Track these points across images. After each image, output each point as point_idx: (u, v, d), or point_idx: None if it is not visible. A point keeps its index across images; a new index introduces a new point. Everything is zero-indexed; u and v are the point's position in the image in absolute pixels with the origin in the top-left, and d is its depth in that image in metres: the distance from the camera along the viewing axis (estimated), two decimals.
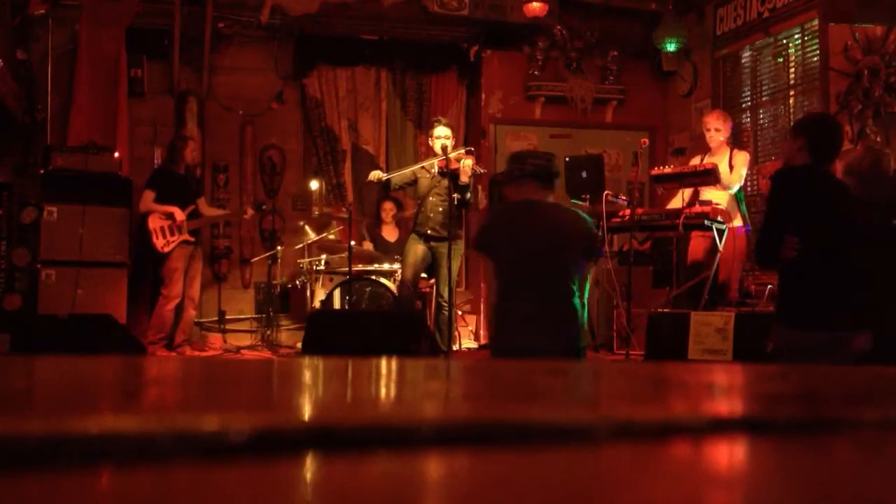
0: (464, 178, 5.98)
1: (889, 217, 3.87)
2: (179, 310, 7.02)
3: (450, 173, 5.99)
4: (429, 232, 6.23)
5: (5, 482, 0.46)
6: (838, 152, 3.86)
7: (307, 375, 1.17)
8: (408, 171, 6.46)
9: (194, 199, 7.13)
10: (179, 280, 6.90)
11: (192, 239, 6.97)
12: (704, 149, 6.53)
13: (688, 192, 6.27)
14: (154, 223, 6.87)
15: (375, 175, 6.42)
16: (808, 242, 3.62)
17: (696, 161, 6.40)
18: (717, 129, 6.29)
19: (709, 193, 6.20)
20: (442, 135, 6.21)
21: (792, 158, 3.81)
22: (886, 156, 4.02)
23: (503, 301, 3.80)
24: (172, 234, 6.87)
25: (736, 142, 6.86)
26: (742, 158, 6.26)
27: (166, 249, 6.85)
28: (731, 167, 6.19)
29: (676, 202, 6.33)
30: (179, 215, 6.88)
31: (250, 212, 7.46)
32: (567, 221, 3.89)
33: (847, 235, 3.66)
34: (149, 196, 6.93)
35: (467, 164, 6.02)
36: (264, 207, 7.90)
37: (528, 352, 3.57)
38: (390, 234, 7.80)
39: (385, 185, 6.48)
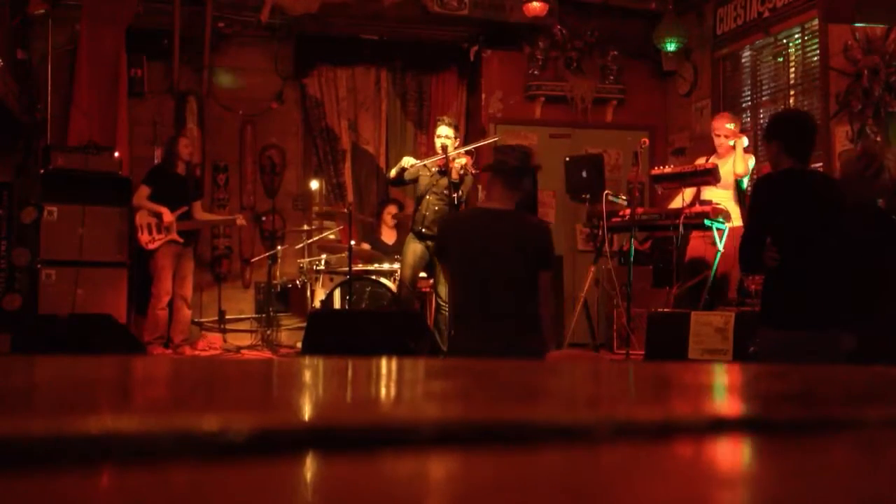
0: (453, 176, 5.98)
1: (883, 217, 3.87)
2: (174, 310, 7.03)
3: (447, 172, 6.00)
4: (424, 231, 6.23)
5: (5, 482, 0.46)
6: (813, 145, 3.86)
7: (307, 375, 1.17)
8: (416, 165, 6.42)
9: (190, 202, 7.13)
10: (167, 278, 6.91)
11: (181, 240, 6.97)
12: (709, 150, 6.52)
13: (689, 191, 6.27)
14: (141, 219, 6.89)
15: (409, 161, 6.36)
16: (790, 245, 3.63)
17: (700, 161, 6.39)
18: (726, 135, 6.26)
19: (710, 193, 6.20)
20: (443, 134, 6.22)
21: (777, 164, 3.83)
22: (880, 158, 4.00)
23: (460, 311, 3.81)
24: (159, 233, 6.88)
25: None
26: (748, 161, 6.27)
27: (151, 247, 6.87)
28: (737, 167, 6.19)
29: (677, 202, 6.33)
30: (167, 217, 6.87)
31: (242, 220, 7.44)
32: (528, 232, 3.90)
33: (828, 235, 3.66)
34: (143, 192, 6.94)
35: (460, 162, 6.03)
36: (264, 219, 7.90)
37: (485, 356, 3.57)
38: (389, 236, 7.79)
39: (400, 177, 6.40)
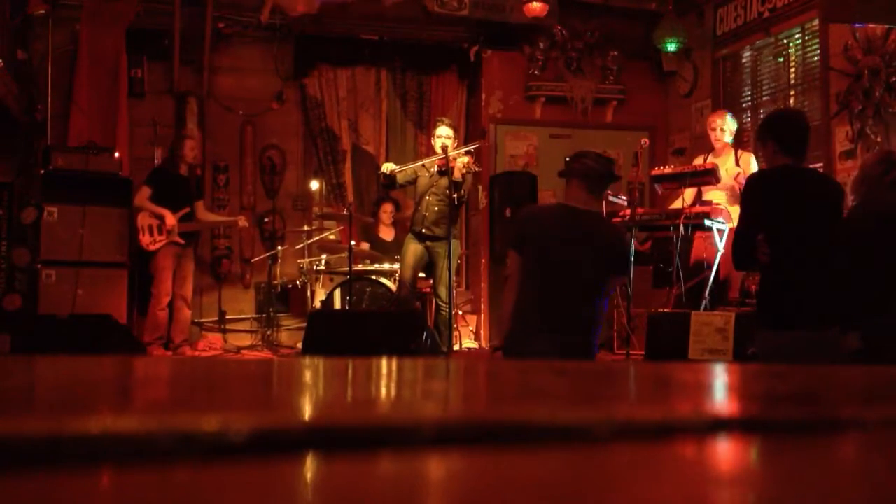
0: (455, 175, 5.99)
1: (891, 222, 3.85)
2: (174, 310, 7.02)
3: (448, 172, 6.01)
4: (423, 231, 6.24)
5: (5, 482, 0.46)
6: (807, 142, 3.85)
7: (307, 375, 1.17)
8: (409, 168, 6.47)
9: (192, 202, 7.13)
10: (168, 279, 6.90)
11: (182, 241, 6.97)
12: (707, 149, 6.51)
13: (690, 192, 6.27)
14: (143, 220, 6.88)
15: (388, 167, 6.40)
16: (784, 243, 3.62)
17: (699, 161, 6.39)
18: (721, 128, 6.27)
19: (711, 193, 6.20)
20: (443, 134, 6.23)
21: (773, 163, 3.83)
22: None
23: (526, 304, 3.78)
24: (160, 234, 6.88)
25: (736, 142, 6.86)
26: (748, 159, 6.26)
27: (152, 248, 6.86)
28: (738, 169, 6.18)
29: (678, 203, 6.33)
30: (170, 220, 6.87)
31: (243, 222, 7.43)
32: (607, 236, 3.92)
33: (823, 234, 3.66)
34: (144, 192, 6.94)
35: (462, 160, 6.04)
36: (266, 220, 7.89)
37: (541, 356, 3.56)
38: (387, 234, 7.80)
39: (391, 181, 6.46)
